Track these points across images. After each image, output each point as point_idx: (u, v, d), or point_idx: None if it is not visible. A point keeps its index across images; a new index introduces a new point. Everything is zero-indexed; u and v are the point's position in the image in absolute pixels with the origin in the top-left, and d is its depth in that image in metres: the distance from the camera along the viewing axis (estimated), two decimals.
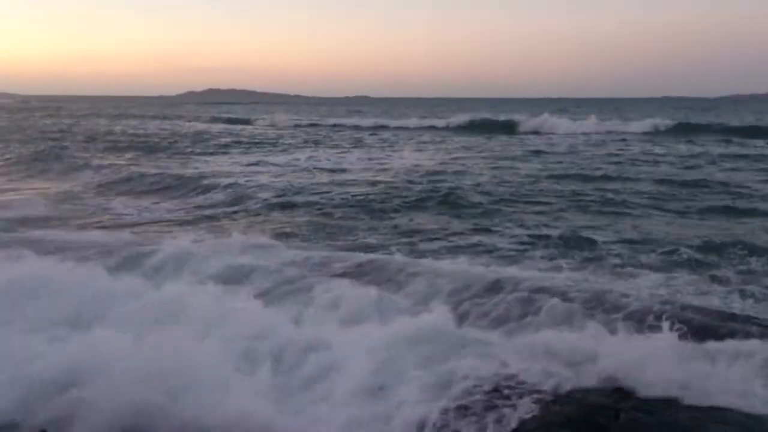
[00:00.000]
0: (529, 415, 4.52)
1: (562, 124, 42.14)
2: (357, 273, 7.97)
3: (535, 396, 4.74)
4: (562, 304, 6.47)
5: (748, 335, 5.73)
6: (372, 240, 10.35)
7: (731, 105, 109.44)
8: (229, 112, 77.61)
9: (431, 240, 10.33)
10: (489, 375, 5.02)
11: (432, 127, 46.13)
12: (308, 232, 10.94)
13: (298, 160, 23.37)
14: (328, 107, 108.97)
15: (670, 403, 4.56)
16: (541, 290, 6.87)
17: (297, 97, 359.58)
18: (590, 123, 42.45)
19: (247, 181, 17.01)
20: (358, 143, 32.31)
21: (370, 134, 40.12)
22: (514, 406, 4.63)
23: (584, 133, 37.69)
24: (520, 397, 4.74)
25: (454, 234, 10.72)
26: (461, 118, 47.62)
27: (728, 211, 12.49)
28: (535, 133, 39.23)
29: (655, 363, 4.88)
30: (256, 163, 22.19)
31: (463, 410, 4.63)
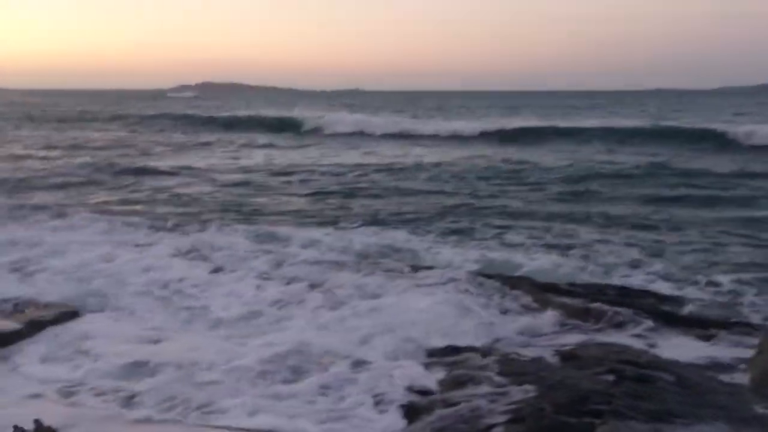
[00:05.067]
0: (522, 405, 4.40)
1: (344, 118, 40.44)
2: None
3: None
4: None
5: None
6: None
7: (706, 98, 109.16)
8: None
9: None
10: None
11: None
12: None
13: None
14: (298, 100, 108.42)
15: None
16: None
17: (289, 90, 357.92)
18: (379, 120, 40.17)
19: None
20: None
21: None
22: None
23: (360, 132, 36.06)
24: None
25: None
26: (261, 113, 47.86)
27: None
28: (317, 131, 37.58)
29: None
30: None
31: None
